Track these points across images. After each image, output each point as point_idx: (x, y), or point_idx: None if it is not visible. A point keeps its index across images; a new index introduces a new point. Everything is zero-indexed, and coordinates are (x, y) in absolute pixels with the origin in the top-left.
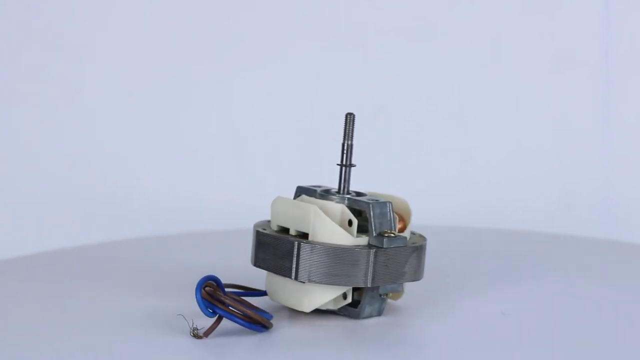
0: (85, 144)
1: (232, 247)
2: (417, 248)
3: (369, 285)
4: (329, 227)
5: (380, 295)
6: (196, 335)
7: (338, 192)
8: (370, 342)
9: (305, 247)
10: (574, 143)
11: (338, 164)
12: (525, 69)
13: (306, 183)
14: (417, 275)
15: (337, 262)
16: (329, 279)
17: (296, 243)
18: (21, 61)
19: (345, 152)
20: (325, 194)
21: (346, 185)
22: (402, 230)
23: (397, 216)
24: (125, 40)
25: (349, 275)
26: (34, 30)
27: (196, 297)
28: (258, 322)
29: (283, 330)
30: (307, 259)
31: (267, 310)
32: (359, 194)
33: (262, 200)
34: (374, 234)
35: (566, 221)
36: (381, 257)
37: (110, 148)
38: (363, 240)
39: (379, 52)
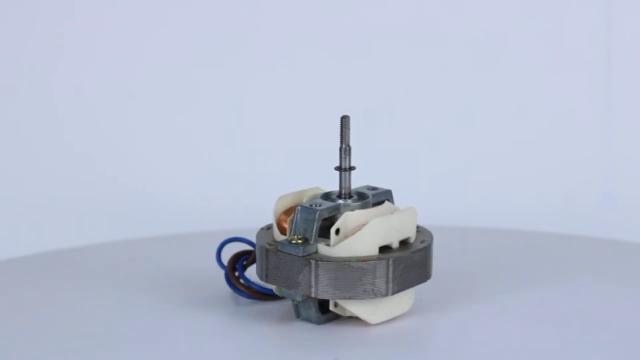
0: (86, 144)
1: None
2: (308, 263)
3: (264, 280)
4: (273, 223)
5: (294, 298)
6: None
7: (338, 197)
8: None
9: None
10: (575, 143)
11: (336, 168)
12: (526, 68)
13: (307, 184)
14: (313, 291)
15: (258, 255)
16: (258, 269)
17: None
18: (21, 61)
19: (342, 155)
20: (325, 196)
21: (344, 189)
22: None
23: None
24: (129, 39)
25: (259, 268)
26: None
27: (216, 257)
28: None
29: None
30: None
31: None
32: (361, 196)
33: (263, 201)
34: (288, 236)
35: (568, 221)
36: (272, 258)
37: (112, 148)
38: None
39: (378, 52)
